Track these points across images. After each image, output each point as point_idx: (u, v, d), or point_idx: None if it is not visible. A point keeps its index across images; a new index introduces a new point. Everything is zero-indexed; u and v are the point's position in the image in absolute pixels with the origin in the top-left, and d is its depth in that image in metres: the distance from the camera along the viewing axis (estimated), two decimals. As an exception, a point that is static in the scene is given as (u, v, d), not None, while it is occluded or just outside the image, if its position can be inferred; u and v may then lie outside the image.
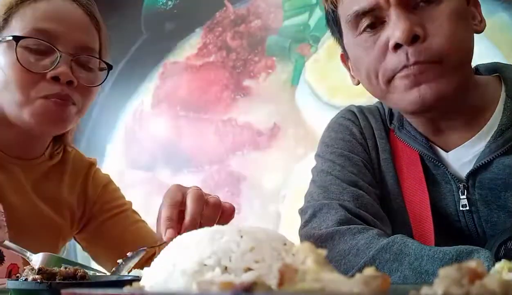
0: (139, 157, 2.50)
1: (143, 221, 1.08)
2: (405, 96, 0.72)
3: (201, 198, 0.71)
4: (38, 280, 0.50)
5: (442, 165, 0.78)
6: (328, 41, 2.06)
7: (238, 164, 2.20)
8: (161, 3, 2.57)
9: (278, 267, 0.28)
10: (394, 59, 0.71)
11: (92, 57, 0.92)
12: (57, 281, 0.50)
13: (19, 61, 0.85)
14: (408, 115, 0.81)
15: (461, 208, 0.76)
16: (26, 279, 0.51)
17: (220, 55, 2.36)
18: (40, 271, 0.51)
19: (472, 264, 0.25)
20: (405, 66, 0.70)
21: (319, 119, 2.03)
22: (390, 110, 0.86)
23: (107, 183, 1.09)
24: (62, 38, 0.87)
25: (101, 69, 0.96)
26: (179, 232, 0.68)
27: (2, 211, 0.80)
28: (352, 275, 0.25)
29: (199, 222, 0.70)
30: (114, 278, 0.58)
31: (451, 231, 0.78)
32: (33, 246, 0.78)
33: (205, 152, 2.31)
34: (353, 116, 0.88)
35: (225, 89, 2.31)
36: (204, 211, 0.71)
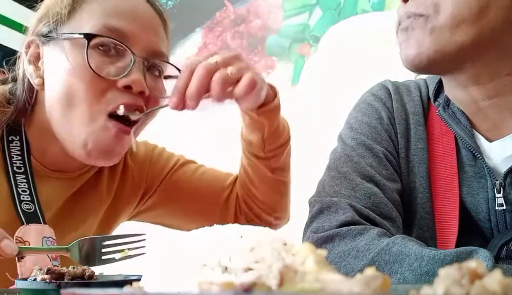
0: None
1: (201, 166, 1.00)
2: (401, 53, 0.72)
3: (207, 75, 0.67)
4: (47, 280, 0.50)
5: (480, 157, 0.73)
6: (328, 41, 2.06)
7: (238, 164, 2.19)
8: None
9: (278, 267, 0.28)
10: (400, 10, 0.71)
11: (165, 62, 0.82)
12: (66, 281, 0.51)
13: (89, 65, 0.72)
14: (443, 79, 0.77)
15: (496, 207, 0.72)
16: (35, 279, 0.51)
17: (220, 55, 2.36)
18: (48, 271, 0.51)
19: (472, 264, 0.25)
20: (404, 19, 0.70)
21: (319, 119, 2.02)
22: (438, 86, 0.81)
23: (151, 153, 0.99)
24: (134, 39, 0.76)
25: (165, 78, 0.85)
26: (183, 104, 0.67)
27: (54, 238, 0.76)
28: (352, 277, 0.25)
29: (199, 97, 0.67)
30: (121, 278, 0.58)
31: (477, 230, 0.74)
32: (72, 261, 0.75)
33: (205, 152, 2.30)
34: (386, 96, 0.82)
35: (225, 89, 2.32)
36: (210, 87, 0.67)
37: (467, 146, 0.74)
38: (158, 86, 0.81)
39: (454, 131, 0.76)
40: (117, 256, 0.70)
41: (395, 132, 0.80)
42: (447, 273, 0.25)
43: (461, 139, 0.75)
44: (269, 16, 2.25)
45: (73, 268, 0.54)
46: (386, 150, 0.78)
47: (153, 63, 0.79)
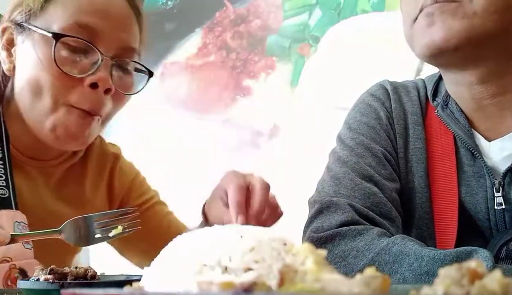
0: (139, 157, 2.50)
1: (172, 213, 1.02)
2: (420, 39, 0.70)
3: (268, 188, 0.71)
4: (50, 280, 0.50)
5: (479, 156, 0.73)
6: (328, 41, 2.06)
7: (238, 164, 2.20)
8: (161, 3, 2.57)
9: (278, 267, 0.28)
10: None
11: (133, 61, 0.84)
12: (69, 281, 0.51)
13: (56, 63, 0.75)
14: (442, 73, 0.76)
15: (495, 207, 0.72)
16: (38, 279, 0.51)
17: (220, 55, 2.36)
18: (51, 271, 0.51)
19: (472, 264, 0.25)
20: (431, 2, 0.68)
21: (319, 119, 2.02)
22: (436, 85, 0.81)
23: (135, 176, 1.01)
24: (105, 36, 0.78)
25: (136, 70, 0.88)
26: (247, 218, 0.67)
27: (26, 223, 0.76)
28: (352, 277, 0.25)
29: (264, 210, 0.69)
30: (122, 278, 0.58)
31: (476, 230, 0.74)
32: (54, 250, 0.75)
33: (205, 152, 2.31)
34: (384, 96, 0.82)
35: (225, 89, 2.31)
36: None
37: (466, 145, 0.74)
38: (126, 82, 0.84)
39: (452, 131, 0.76)
40: (111, 233, 0.70)
41: (394, 132, 0.80)
42: (447, 273, 0.25)
43: (460, 139, 0.75)
44: (269, 16, 2.25)
45: (75, 268, 0.54)
46: (385, 149, 0.78)
47: (121, 61, 0.82)
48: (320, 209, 0.73)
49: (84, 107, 0.78)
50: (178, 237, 0.44)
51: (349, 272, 0.65)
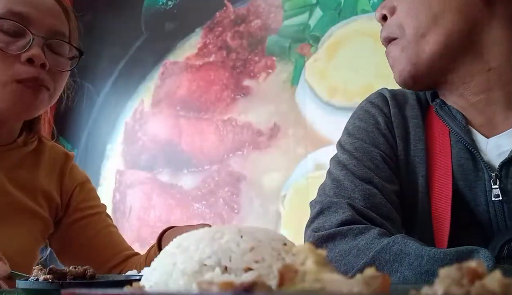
0: (139, 157, 2.50)
1: (115, 227, 1.06)
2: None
3: None
4: (50, 280, 0.50)
5: (476, 152, 0.75)
6: (328, 41, 2.06)
7: (238, 164, 2.20)
8: (161, 3, 2.57)
9: (278, 267, 0.28)
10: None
11: (63, 42, 0.94)
12: (68, 280, 0.51)
13: None
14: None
15: (492, 198, 0.73)
16: (37, 279, 0.51)
17: (220, 55, 2.36)
18: (50, 270, 0.51)
19: (472, 264, 0.25)
20: (384, 44, 0.80)
21: (319, 119, 2.02)
22: None
23: (85, 181, 1.06)
24: (35, 21, 0.88)
25: (70, 58, 0.96)
26: None
27: None
28: (352, 276, 0.25)
29: None
30: (122, 277, 0.58)
31: (477, 223, 0.75)
32: (11, 234, 0.81)
33: (205, 152, 2.31)
34: (382, 102, 0.84)
35: (225, 89, 2.31)
36: None
37: (463, 142, 0.76)
38: (59, 61, 0.92)
39: (450, 128, 0.78)
40: None
41: (393, 135, 0.82)
42: (447, 273, 0.25)
43: (456, 135, 0.77)
44: (269, 16, 2.25)
45: (74, 268, 0.54)
46: (384, 153, 0.80)
47: (52, 41, 0.91)
48: (321, 209, 0.74)
49: (25, 77, 0.86)
50: (175, 239, 0.43)
51: (349, 271, 0.65)
